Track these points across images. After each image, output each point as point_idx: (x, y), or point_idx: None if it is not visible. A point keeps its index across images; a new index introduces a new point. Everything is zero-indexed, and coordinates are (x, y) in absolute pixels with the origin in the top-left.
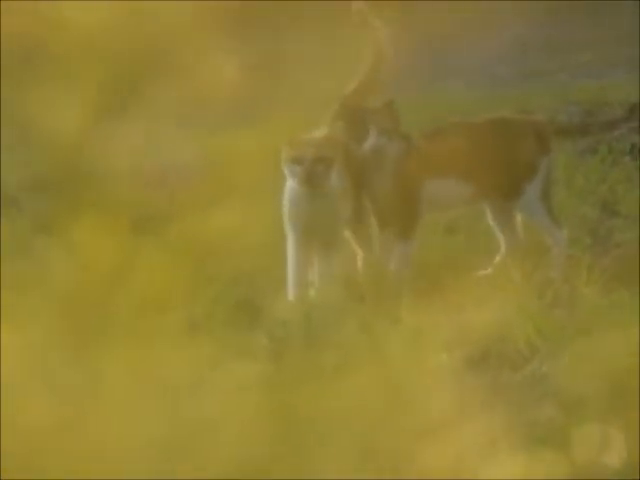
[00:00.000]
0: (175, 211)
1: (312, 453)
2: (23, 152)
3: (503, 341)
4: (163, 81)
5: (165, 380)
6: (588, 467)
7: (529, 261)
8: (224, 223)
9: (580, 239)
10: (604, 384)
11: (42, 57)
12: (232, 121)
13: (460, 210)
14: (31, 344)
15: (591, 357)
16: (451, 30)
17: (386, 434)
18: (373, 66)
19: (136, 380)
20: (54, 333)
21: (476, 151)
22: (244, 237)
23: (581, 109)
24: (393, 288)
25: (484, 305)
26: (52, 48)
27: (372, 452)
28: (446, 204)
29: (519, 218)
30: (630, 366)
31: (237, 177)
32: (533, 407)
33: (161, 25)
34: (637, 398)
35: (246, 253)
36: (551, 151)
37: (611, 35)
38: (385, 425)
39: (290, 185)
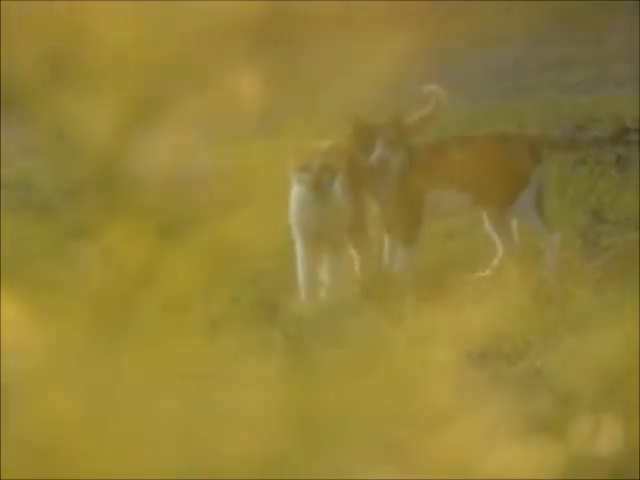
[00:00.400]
0: (197, 216)
1: (326, 444)
2: (57, 159)
3: (501, 338)
4: (188, 94)
5: (187, 375)
6: (581, 455)
7: (525, 263)
8: (242, 228)
9: (571, 243)
10: (595, 377)
11: (76, 70)
12: (251, 132)
13: (459, 217)
14: (62, 342)
15: (582, 352)
16: (452, 46)
17: (395, 426)
18: (429, 115)
19: (159, 375)
20: (84, 331)
21: (475, 163)
22: (261, 240)
23: (572, 124)
24: (397, 289)
25: (483, 305)
26: (85, 61)
27: (382, 443)
28: (446, 213)
29: (514, 224)
30: (618, 360)
31: (254, 185)
32: (529, 399)
33: (187, 42)
34: (626, 389)
35: (263, 255)
36: (543, 162)
37: (603, 52)
38: (393, 417)
39: (297, 191)
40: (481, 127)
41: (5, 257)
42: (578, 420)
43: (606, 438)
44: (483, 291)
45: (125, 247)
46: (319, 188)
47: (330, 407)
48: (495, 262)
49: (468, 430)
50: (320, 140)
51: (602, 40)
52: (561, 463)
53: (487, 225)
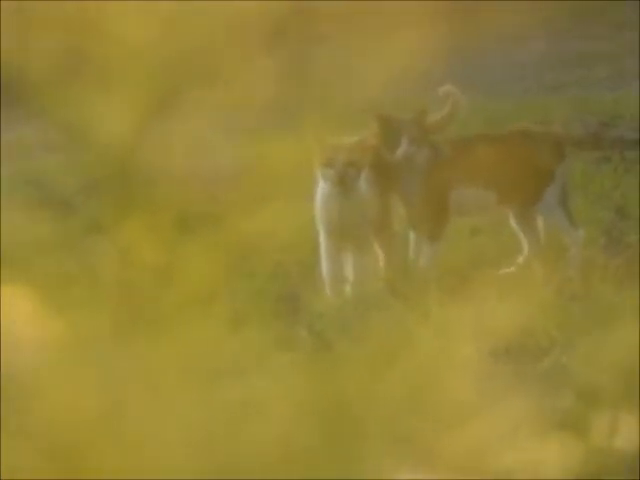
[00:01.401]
0: (219, 211)
1: (348, 439)
2: (74, 155)
3: (525, 334)
4: (205, 88)
5: (208, 370)
6: (603, 451)
7: (549, 260)
8: (265, 222)
9: (595, 240)
10: (618, 374)
11: (92, 65)
12: (269, 127)
13: (485, 215)
14: (80, 337)
15: (606, 349)
16: (474, 44)
17: (417, 421)
18: (447, 116)
19: (178, 371)
20: (102, 327)
21: (499, 161)
22: (284, 235)
23: (597, 121)
24: (421, 285)
25: (507, 301)
26: (101, 57)
27: (404, 438)
28: (471, 210)
29: (540, 221)
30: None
31: (275, 179)
32: (552, 395)
33: (204, 36)
34: None
35: (286, 250)
36: (567, 159)
37: (624, 48)
38: (416, 412)
39: (322, 187)
40: (504, 124)
41: (22, 253)
42: (600, 417)
43: (628, 435)
44: (508, 287)
45: (143, 243)
46: (343, 184)
47: (353, 402)
48: (520, 259)
49: (490, 426)
50: (340, 135)
51: (623, 36)
52: (583, 460)
53: (512, 222)
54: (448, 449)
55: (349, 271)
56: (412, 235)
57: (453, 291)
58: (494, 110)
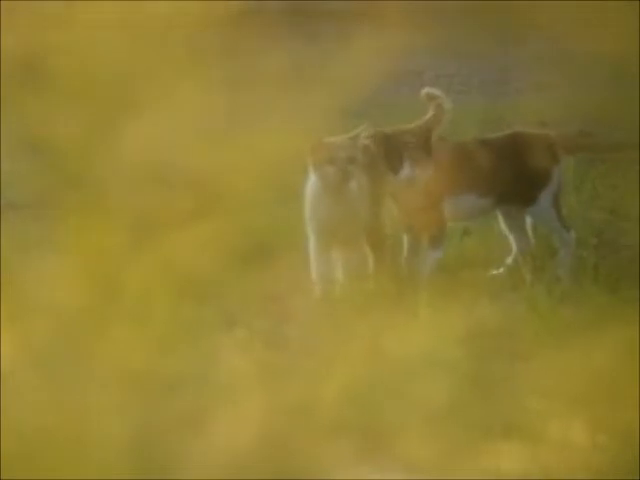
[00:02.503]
0: (204, 211)
1: (321, 436)
2: (27, 164)
3: (513, 335)
4: (161, 93)
5: (161, 378)
6: (567, 461)
7: (539, 261)
8: (253, 223)
9: (586, 241)
10: (603, 378)
11: (43, 74)
12: (229, 131)
13: (478, 219)
14: (29, 347)
15: (593, 353)
16: (470, 45)
17: (399, 418)
18: (431, 119)
19: (128, 379)
20: (53, 337)
21: (496, 166)
22: (272, 236)
23: (591, 122)
24: (411, 287)
25: (497, 302)
26: (53, 65)
27: (379, 436)
28: (466, 216)
29: (529, 221)
30: (629, 362)
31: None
32: (529, 399)
33: (156, 42)
34: (634, 396)
35: (275, 251)
36: (561, 161)
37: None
38: (397, 410)
39: (313, 186)
40: (498, 125)
41: None
42: (568, 424)
43: (602, 440)
44: (497, 289)
45: (97, 253)
46: (345, 181)
47: (334, 401)
48: (509, 260)
49: (465, 427)
50: (306, 136)
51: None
52: (547, 463)
53: (501, 223)
54: (426, 448)
55: (338, 272)
56: (406, 238)
57: (443, 292)
58: (488, 110)
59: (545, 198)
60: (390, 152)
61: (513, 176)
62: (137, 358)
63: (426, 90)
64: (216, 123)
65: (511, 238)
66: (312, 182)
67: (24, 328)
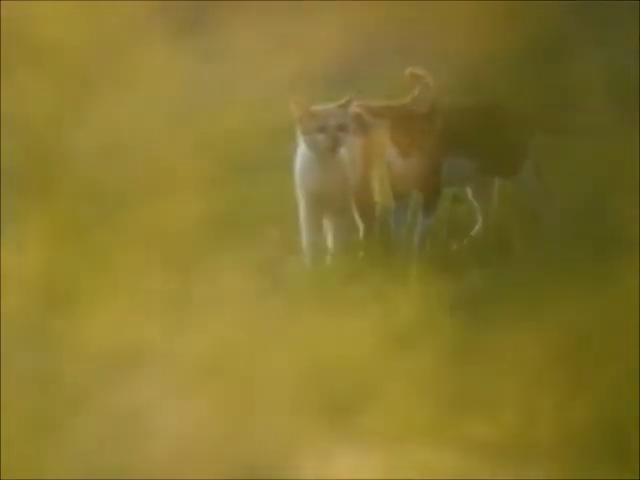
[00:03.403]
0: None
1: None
2: None
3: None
4: (129, 74)
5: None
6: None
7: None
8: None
9: (572, 210)
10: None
11: (13, 57)
12: (188, 102)
13: (465, 185)
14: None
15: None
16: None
17: (387, 378)
18: (417, 97)
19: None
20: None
21: (478, 131)
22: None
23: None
24: (402, 256)
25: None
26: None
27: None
28: (457, 180)
29: (495, 191)
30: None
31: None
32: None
33: (117, 24)
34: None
35: (264, 220)
36: (537, 134)
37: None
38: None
39: (302, 154)
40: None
41: None
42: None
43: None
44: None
45: (62, 230)
46: (336, 147)
47: (324, 366)
48: (474, 231)
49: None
50: (265, 110)
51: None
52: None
53: (470, 197)
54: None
55: (329, 240)
56: (394, 206)
57: (432, 262)
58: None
59: (527, 169)
60: (400, 130)
61: (494, 143)
62: (110, 330)
63: (410, 69)
64: (192, 95)
65: (477, 209)
66: (301, 150)
67: None
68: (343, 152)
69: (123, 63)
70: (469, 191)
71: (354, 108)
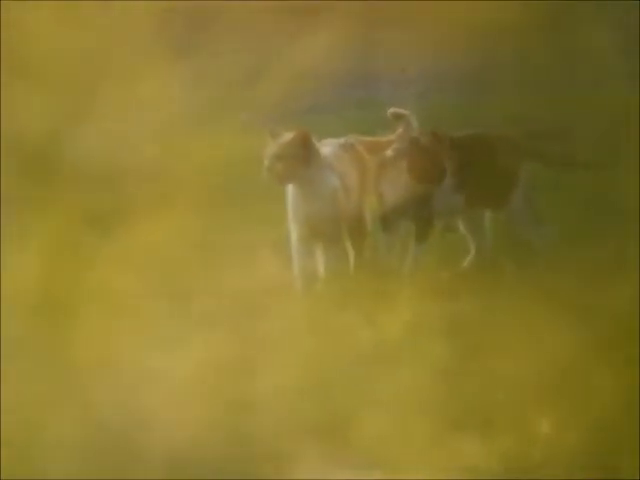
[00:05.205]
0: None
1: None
2: None
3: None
4: (124, 88)
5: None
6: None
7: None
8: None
9: (563, 235)
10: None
11: (11, 70)
12: (183, 125)
13: (456, 217)
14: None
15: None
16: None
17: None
18: (400, 135)
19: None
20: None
21: (462, 163)
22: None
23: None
24: (393, 283)
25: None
26: (19, 62)
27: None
28: (445, 212)
29: (487, 222)
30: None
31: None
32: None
33: (116, 37)
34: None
35: (256, 245)
36: (526, 160)
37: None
38: (368, 403)
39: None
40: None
41: None
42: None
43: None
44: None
45: (61, 242)
46: (271, 176)
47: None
48: (466, 262)
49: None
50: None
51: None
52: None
53: (462, 228)
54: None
55: (320, 267)
56: (384, 236)
57: (424, 287)
58: (470, 106)
59: (517, 198)
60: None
61: (481, 176)
62: (100, 350)
63: (392, 110)
64: (180, 119)
65: (470, 240)
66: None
67: None
68: (334, 181)
69: (122, 80)
70: (460, 223)
71: (349, 139)
